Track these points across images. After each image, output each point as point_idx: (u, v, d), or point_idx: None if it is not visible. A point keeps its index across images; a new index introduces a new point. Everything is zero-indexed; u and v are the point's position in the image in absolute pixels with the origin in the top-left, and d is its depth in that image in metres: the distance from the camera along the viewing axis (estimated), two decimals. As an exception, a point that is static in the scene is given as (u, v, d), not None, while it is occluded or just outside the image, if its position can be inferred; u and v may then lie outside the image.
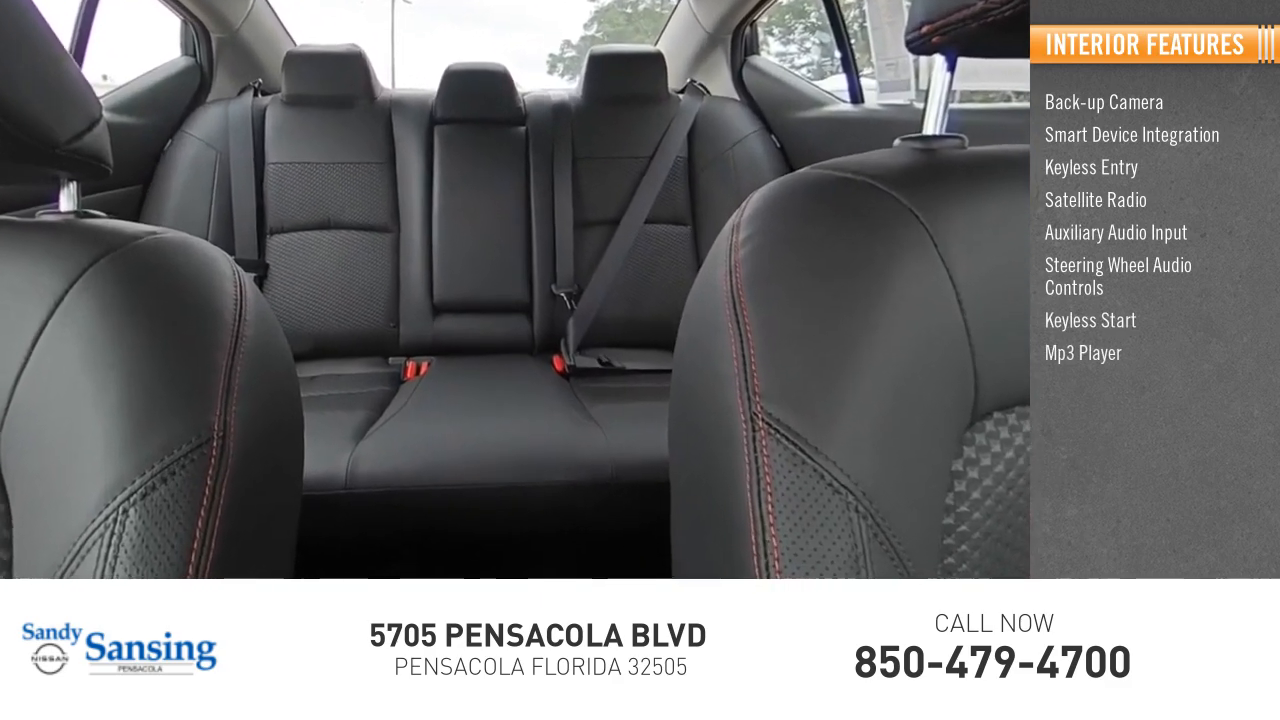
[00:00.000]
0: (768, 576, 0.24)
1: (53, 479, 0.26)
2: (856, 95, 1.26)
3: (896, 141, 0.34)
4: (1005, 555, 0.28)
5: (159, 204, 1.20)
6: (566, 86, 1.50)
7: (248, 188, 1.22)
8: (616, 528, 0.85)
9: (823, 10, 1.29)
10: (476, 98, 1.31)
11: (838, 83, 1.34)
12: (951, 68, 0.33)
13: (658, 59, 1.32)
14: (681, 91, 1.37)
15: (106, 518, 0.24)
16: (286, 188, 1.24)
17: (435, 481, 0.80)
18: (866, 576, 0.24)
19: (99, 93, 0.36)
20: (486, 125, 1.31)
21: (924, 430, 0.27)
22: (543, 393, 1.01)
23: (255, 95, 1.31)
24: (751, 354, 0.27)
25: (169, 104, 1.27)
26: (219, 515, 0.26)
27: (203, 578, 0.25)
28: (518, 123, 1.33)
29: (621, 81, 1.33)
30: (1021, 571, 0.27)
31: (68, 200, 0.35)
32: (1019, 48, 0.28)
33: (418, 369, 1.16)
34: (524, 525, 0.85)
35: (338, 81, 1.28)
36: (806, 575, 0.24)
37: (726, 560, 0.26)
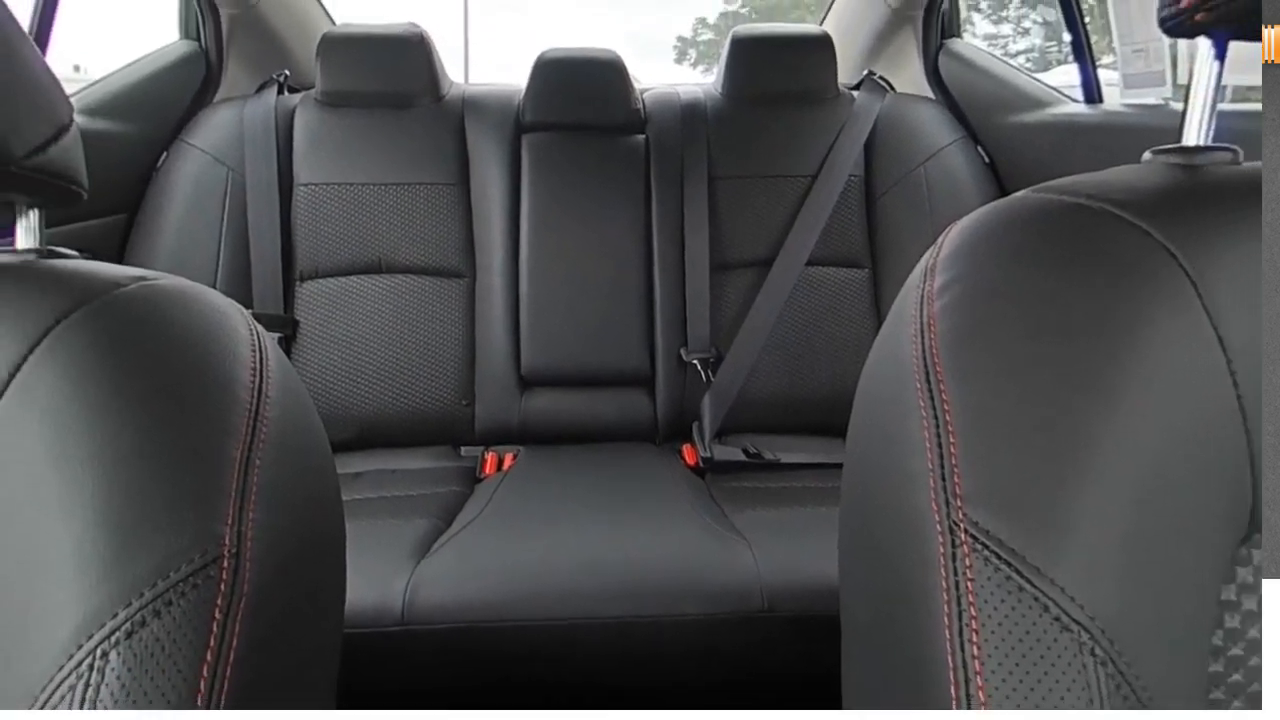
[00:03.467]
0: None
1: (8, 615, 0.21)
2: (1092, 92, 1.00)
3: (1146, 155, 0.30)
4: None
5: (150, 239, 0.96)
6: (701, 80, 1.27)
7: (270, 217, 0.97)
8: (770, 674, 0.72)
9: (1048, -23, 0.99)
10: (579, 96, 1.06)
11: (1067, 75, 1.06)
12: (1221, 56, 0.28)
13: (824, 43, 1.06)
14: (856, 87, 1.11)
15: (79, 664, 0.20)
16: (322, 218, 0.99)
17: (522, 615, 0.66)
18: None
19: (69, 89, 0.31)
20: (592, 133, 1.05)
21: (1184, 547, 0.23)
22: (669, 495, 0.83)
23: (280, 92, 1.06)
24: (952, 444, 0.23)
25: (164, 104, 1.02)
26: (230, 660, 0.21)
27: None
28: (635, 129, 1.07)
29: (775, 74, 1.07)
30: None
31: (26, 235, 0.30)
32: None
33: (499, 462, 0.94)
34: (644, 673, 0.71)
35: (391, 74, 1.03)
36: None
37: (915, 700, 0.23)
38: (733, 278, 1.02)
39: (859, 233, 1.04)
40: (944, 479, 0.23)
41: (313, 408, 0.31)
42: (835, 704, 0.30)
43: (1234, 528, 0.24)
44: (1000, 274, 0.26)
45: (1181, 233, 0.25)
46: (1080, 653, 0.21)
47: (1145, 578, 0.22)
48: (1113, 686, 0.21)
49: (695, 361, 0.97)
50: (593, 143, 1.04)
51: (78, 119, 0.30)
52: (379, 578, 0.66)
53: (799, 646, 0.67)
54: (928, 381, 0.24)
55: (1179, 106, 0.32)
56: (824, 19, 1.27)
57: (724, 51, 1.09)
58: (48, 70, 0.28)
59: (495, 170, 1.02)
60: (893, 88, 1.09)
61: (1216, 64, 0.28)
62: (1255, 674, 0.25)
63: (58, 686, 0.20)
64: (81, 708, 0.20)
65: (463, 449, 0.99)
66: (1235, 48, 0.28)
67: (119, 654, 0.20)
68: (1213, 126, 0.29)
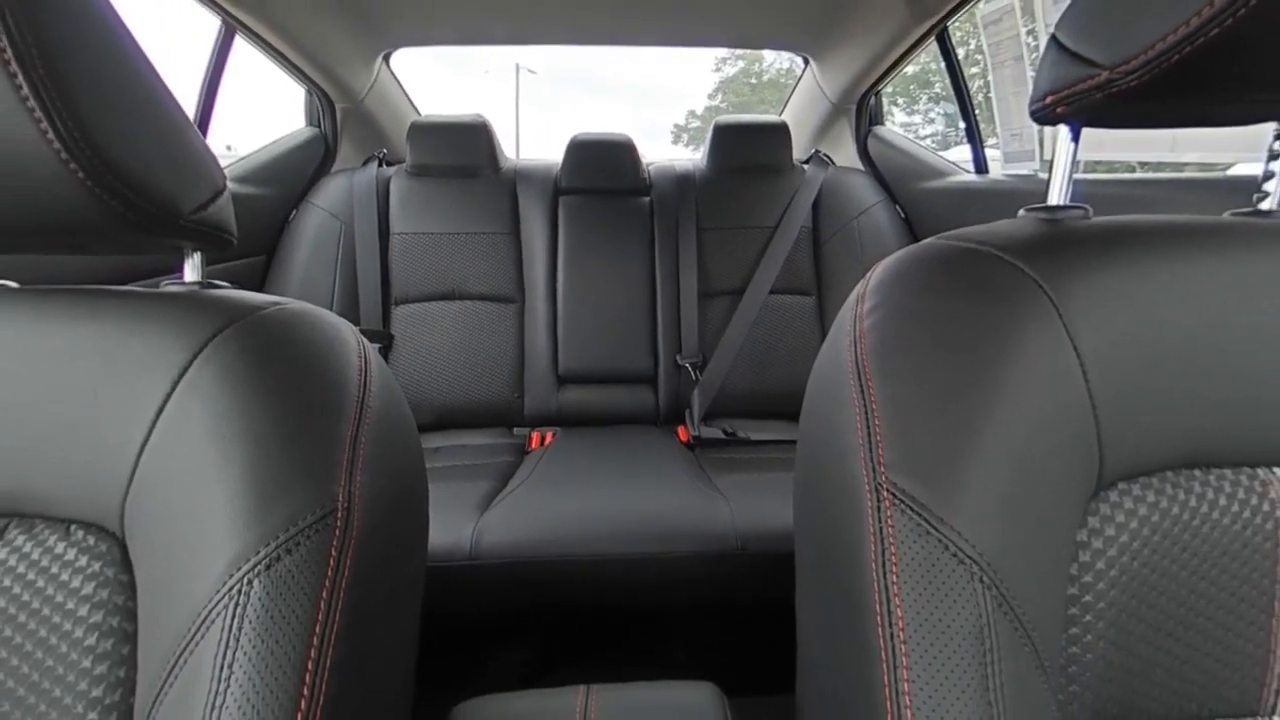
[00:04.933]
0: (891, 644, 0.24)
1: (178, 551, 0.25)
2: (981, 165, 1.20)
3: (1021, 212, 0.34)
4: (1132, 626, 0.27)
5: (284, 274, 1.16)
6: (691, 156, 1.44)
7: (373, 258, 1.18)
8: (742, 598, 0.82)
9: (947, 81, 1.23)
10: (601, 168, 1.27)
11: (962, 153, 1.24)
12: (1076, 138, 0.32)
13: (782, 129, 1.28)
14: (806, 162, 1.33)
15: (231, 589, 0.23)
16: (411, 258, 1.20)
17: (560, 552, 0.76)
18: (991, 646, 0.23)
19: (223, 163, 0.35)
20: (611, 195, 1.27)
21: (1048, 501, 0.26)
22: (668, 464, 0.96)
23: (380, 165, 1.27)
24: (877, 426, 0.26)
25: (294, 174, 1.24)
26: (343, 587, 0.25)
27: (327, 650, 0.24)
28: (642, 193, 1.29)
29: (746, 151, 1.29)
30: (1151, 645, 0.27)
31: (192, 271, 0.34)
32: (1145, 118, 0.30)
33: (542, 439, 1.11)
34: (650, 596, 0.81)
35: (462, 151, 1.25)
36: (931, 645, 0.23)
37: (852, 631, 0.25)
38: (715, 303, 1.21)
39: (808, 270, 1.22)
40: (870, 452, 0.26)
41: (404, 399, 0.34)
42: (790, 619, 0.34)
43: (1086, 487, 0.27)
44: (912, 300, 0.30)
45: (1047, 269, 0.28)
46: (971, 580, 0.24)
47: (1020, 524, 0.25)
48: (995, 606, 0.24)
49: (687, 364, 1.16)
50: (612, 203, 1.24)
51: (230, 185, 0.34)
52: (453, 525, 0.76)
53: (764, 576, 0.78)
54: (859, 379, 0.28)
55: (1044, 176, 0.38)
56: (783, 110, 1.49)
57: (709, 135, 1.30)
58: (207, 148, 0.31)
59: (539, 223, 1.22)
60: (833, 162, 1.30)
61: (1072, 144, 0.33)
62: (1102, 595, 0.27)
63: (215, 606, 0.23)
64: (233, 621, 0.23)
65: (515, 430, 1.17)
66: (1086, 132, 0.33)
67: (261, 582, 0.23)
68: (1069, 190, 0.33)
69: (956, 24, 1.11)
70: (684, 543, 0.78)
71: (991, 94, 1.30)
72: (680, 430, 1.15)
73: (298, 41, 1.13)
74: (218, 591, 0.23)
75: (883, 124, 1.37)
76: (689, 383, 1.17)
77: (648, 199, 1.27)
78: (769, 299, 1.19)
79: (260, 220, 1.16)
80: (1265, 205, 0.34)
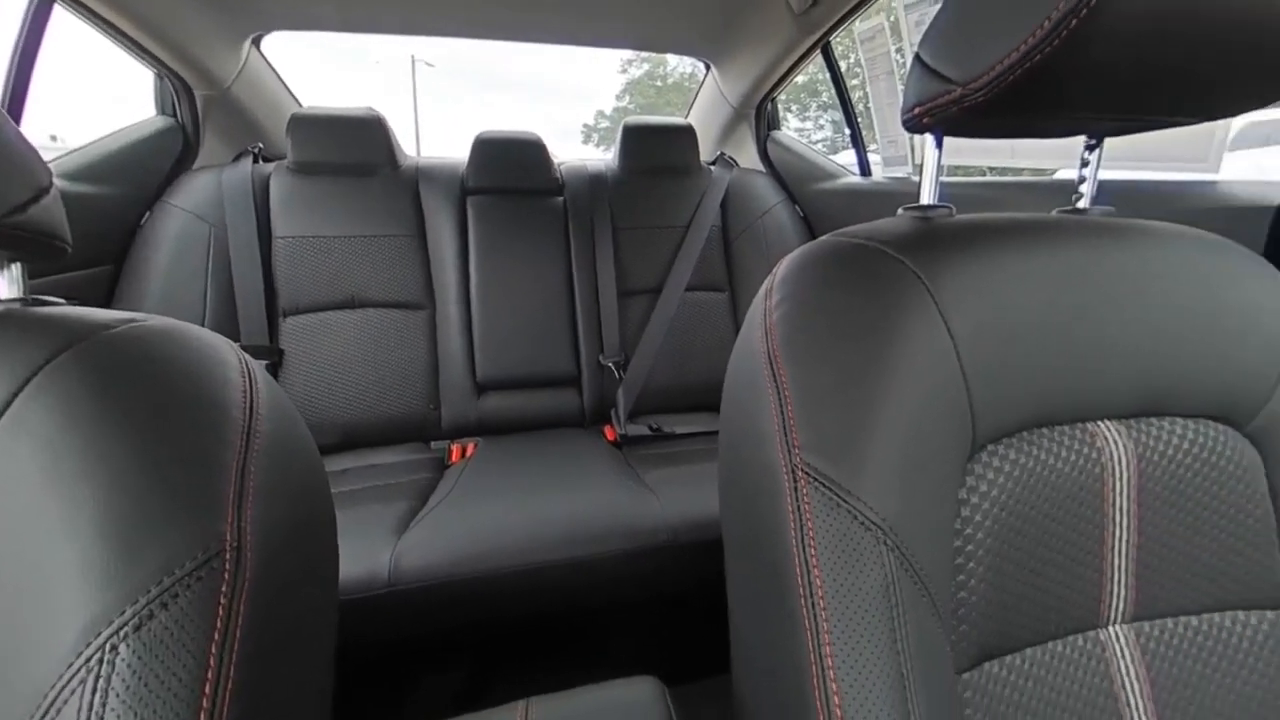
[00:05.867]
0: (813, 611, 0.25)
1: (17, 621, 0.21)
2: (865, 169, 1.30)
3: (900, 211, 0.37)
4: (1004, 568, 0.30)
5: (138, 286, 1.01)
6: (603, 157, 1.43)
7: (252, 265, 1.05)
8: (678, 588, 0.83)
9: (833, 91, 1.33)
10: (511, 167, 1.23)
11: (849, 157, 1.35)
12: (939, 145, 0.36)
13: (689, 132, 1.31)
14: (713, 163, 1.36)
15: (89, 660, 0.20)
16: (300, 264, 1.09)
17: (489, 568, 0.73)
18: (896, 601, 0.26)
19: (47, 156, 0.31)
20: (523, 195, 1.23)
21: (934, 466, 0.29)
22: (596, 464, 0.95)
23: (255, 161, 1.14)
24: (790, 412, 0.28)
25: (144, 170, 1.07)
26: (237, 638, 0.22)
27: (221, 710, 0.21)
28: (555, 193, 1.26)
29: (657, 153, 1.30)
30: (1019, 581, 0.30)
31: (10, 286, 0.30)
32: (992, 130, 0.34)
33: (463, 451, 1.06)
34: (587, 599, 0.80)
35: (355, 148, 1.15)
36: (847, 607, 0.25)
37: (776, 601, 0.27)
38: (634, 302, 1.22)
39: (720, 267, 1.26)
40: (785, 435, 0.28)
41: (300, 419, 0.31)
42: (721, 601, 0.35)
43: (963, 451, 0.30)
44: (814, 293, 0.32)
45: (923, 261, 0.31)
46: (877, 544, 0.26)
47: (913, 489, 0.28)
48: (897, 564, 0.27)
49: (610, 364, 1.15)
50: (524, 203, 1.20)
51: (58, 182, 0.29)
52: (367, 552, 0.71)
53: (695, 563, 0.80)
54: (772, 368, 0.30)
55: (917, 178, 0.40)
56: (689, 113, 1.52)
57: (618, 136, 1.30)
58: (22, 138, 0.27)
59: (446, 225, 1.15)
60: (738, 164, 1.35)
61: (936, 151, 0.36)
62: (980, 544, 0.30)
63: (67, 682, 0.20)
64: (94, 696, 0.19)
65: (432, 443, 1.10)
66: (949, 140, 0.36)
67: (128, 645, 0.20)
68: (937, 191, 0.37)
69: (838, 39, 1.20)
70: (616, 541, 0.78)
71: (870, 104, 1.44)
72: (607, 430, 1.14)
73: (139, 14, 0.97)
74: (70, 666, 0.20)
75: (779, 129, 1.45)
76: (613, 382, 1.17)
77: (561, 199, 1.25)
78: (685, 296, 1.22)
79: (103, 224, 0.99)
80: (1081, 204, 0.40)
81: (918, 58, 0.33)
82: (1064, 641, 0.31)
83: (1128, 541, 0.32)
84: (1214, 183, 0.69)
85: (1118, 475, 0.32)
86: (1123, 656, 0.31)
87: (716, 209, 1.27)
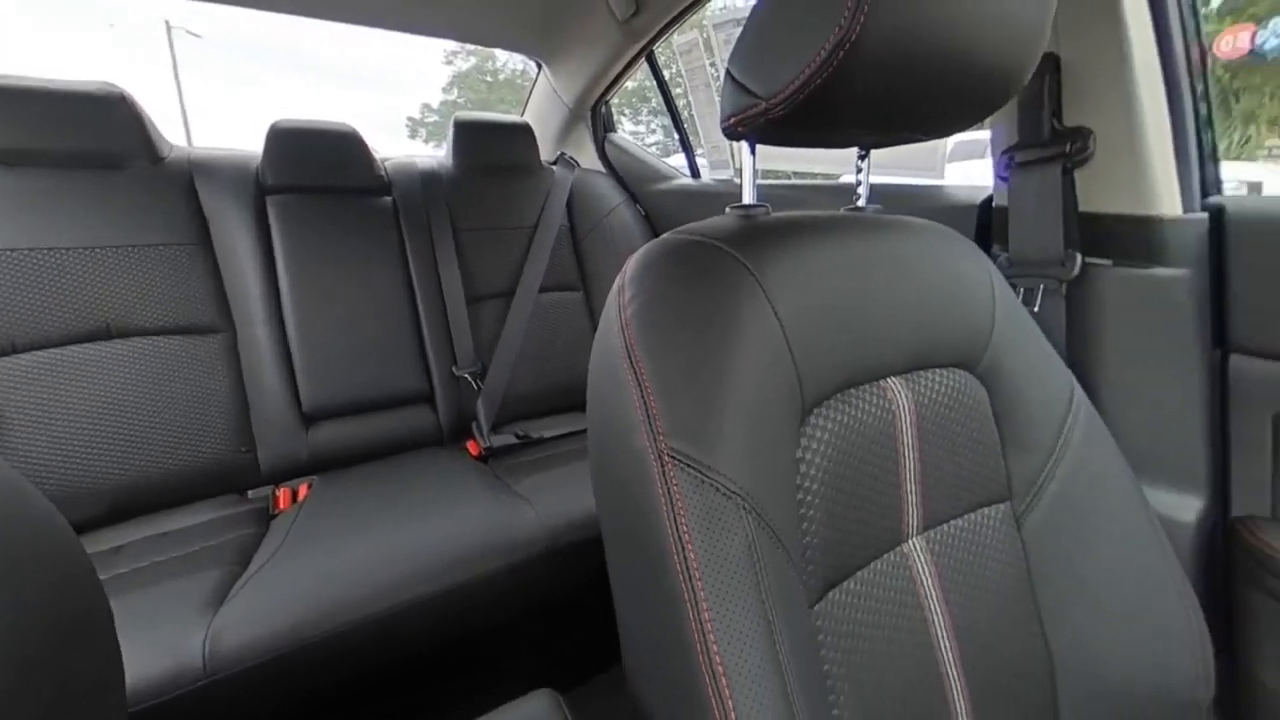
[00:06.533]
0: (690, 582, 0.27)
1: None
2: (694, 171, 1.40)
3: (727, 210, 0.41)
4: (834, 510, 0.35)
5: None
6: (433, 153, 1.31)
7: None
8: (560, 593, 0.83)
9: (660, 98, 1.42)
10: (321, 162, 1.07)
11: (681, 160, 1.45)
12: (753, 151, 0.40)
13: (527, 130, 1.28)
14: (554, 163, 1.35)
15: None
16: (18, 288, 0.83)
17: (349, 620, 0.65)
18: (757, 558, 0.29)
19: None
20: (341, 195, 1.08)
21: (775, 434, 0.32)
22: (461, 483, 0.90)
23: None
24: (651, 401, 0.30)
25: None
26: None
27: None
28: (380, 191, 1.13)
29: (496, 151, 1.25)
30: (846, 518, 0.36)
31: None
32: (793, 140, 0.39)
33: (294, 496, 0.91)
34: (468, 625, 0.76)
35: (88, 132, 0.90)
36: (718, 572, 0.28)
37: (656, 580, 0.29)
38: (485, 307, 1.15)
39: (572, 266, 1.26)
40: (650, 424, 0.30)
41: (32, 493, 0.25)
42: (607, 595, 0.36)
43: (795, 418, 0.34)
44: (661, 288, 0.34)
45: (751, 255, 0.35)
46: (738, 511, 0.29)
47: (761, 456, 0.31)
48: (755, 525, 0.29)
49: (466, 375, 1.08)
50: (344, 203, 1.06)
51: None
52: (169, 641, 0.59)
53: (578, 564, 0.80)
54: (631, 362, 0.31)
55: (739, 180, 0.42)
56: (524, 111, 1.49)
57: (450, 132, 1.22)
58: None
59: (240, 230, 0.97)
60: (579, 164, 1.36)
61: (752, 157, 0.40)
62: (815, 494, 0.34)
63: None
64: None
65: (250, 493, 0.92)
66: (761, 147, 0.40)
67: None
68: (755, 192, 0.41)
69: (661, 50, 1.28)
70: (494, 559, 0.74)
71: (694, 111, 1.57)
72: (470, 445, 1.07)
73: None
74: None
75: (615, 131, 1.49)
76: (471, 394, 1.10)
77: (389, 199, 1.13)
78: (539, 298, 1.19)
79: None
80: (861, 204, 0.49)
81: (729, 73, 0.36)
82: (881, 559, 0.38)
83: (914, 469, 0.39)
84: (941, 186, 0.89)
85: (903, 419, 0.39)
86: (919, 559, 0.39)
87: (563, 209, 1.26)
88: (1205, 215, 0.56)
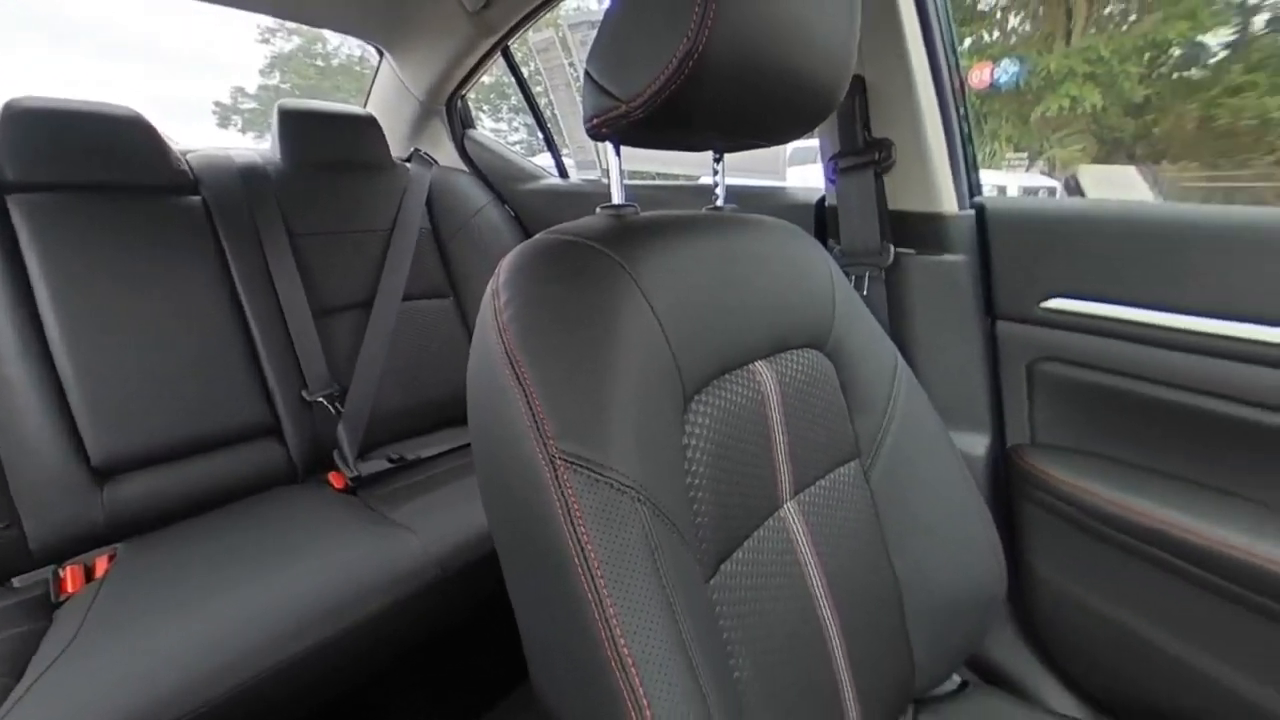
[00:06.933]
0: (591, 581, 0.27)
1: None
2: (562, 171, 1.38)
3: (598, 209, 0.42)
4: (720, 488, 0.37)
5: None
6: (254, 146, 1.11)
7: None
8: (458, 619, 0.79)
9: (520, 95, 1.38)
10: (93, 153, 0.86)
11: (547, 159, 1.41)
12: (618, 152, 0.41)
13: (372, 123, 1.15)
14: (408, 160, 1.24)
15: None
16: None
17: (188, 707, 0.55)
18: (655, 545, 0.29)
19: None
20: (127, 194, 0.88)
21: (662, 424, 0.33)
22: (323, 522, 0.80)
23: None
24: (537, 406, 0.30)
25: None
26: None
27: None
28: (184, 190, 0.95)
29: (337, 145, 1.10)
30: (730, 493, 0.37)
31: None
32: (653, 142, 0.40)
33: (87, 574, 0.73)
34: (358, 675, 0.69)
35: None
36: (618, 566, 0.28)
37: (558, 585, 0.29)
38: (339, 320, 1.02)
39: (439, 271, 1.17)
40: (538, 429, 0.29)
41: None
42: (508, 612, 0.36)
43: (678, 406, 0.35)
44: (538, 289, 0.34)
45: (625, 253, 0.35)
46: (634, 503, 0.29)
47: (650, 447, 0.32)
48: (650, 514, 0.30)
49: (320, 399, 0.95)
50: (129, 203, 0.86)
51: None
52: None
53: (474, 585, 0.76)
54: (512, 367, 0.31)
55: (607, 180, 0.43)
56: (366, 102, 1.35)
57: (275, 122, 1.06)
58: None
59: None
60: (437, 162, 1.27)
61: (617, 157, 0.41)
62: (701, 475, 0.36)
63: None
64: None
65: (15, 580, 0.71)
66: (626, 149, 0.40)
67: None
68: (624, 192, 0.42)
69: (518, 46, 1.25)
70: (378, 598, 0.68)
71: (556, 111, 1.56)
72: (333, 478, 0.95)
73: None
74: None
75: (474, 127, 1.42)
76: (328, 420, 0.97)
77: (198, 198, 0.95)
78: (404, 307, 1.09)
79: None
80: (719, 203, 0.53)
81: (588, 74, 0.37)
82: (762, 526, 0.41)
83: (783, 441, 0.44)
84: (784, 187, 1.00)
85: (770, 397, 0.43)
86: (794, 520, 0.44)
87: (422, 209, 1.17)
88: (973, 212, 0.71)
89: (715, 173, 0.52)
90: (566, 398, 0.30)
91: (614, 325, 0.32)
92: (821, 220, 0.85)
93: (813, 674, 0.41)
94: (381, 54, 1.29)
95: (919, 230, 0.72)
